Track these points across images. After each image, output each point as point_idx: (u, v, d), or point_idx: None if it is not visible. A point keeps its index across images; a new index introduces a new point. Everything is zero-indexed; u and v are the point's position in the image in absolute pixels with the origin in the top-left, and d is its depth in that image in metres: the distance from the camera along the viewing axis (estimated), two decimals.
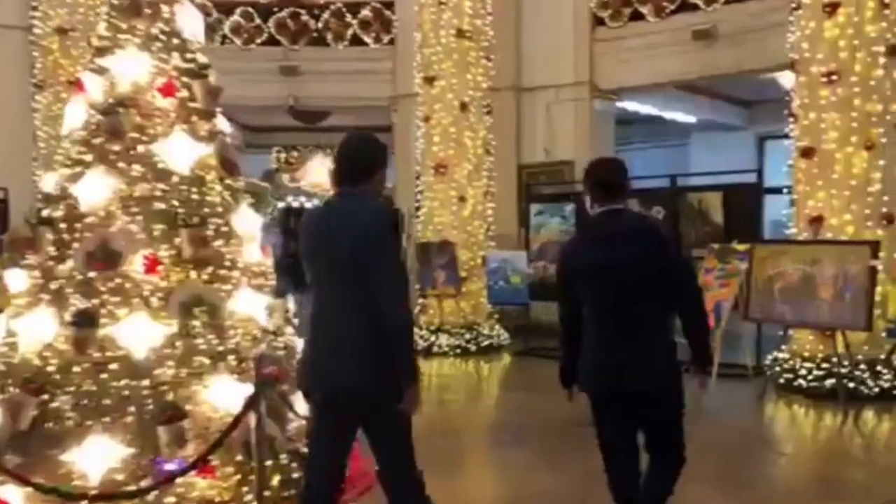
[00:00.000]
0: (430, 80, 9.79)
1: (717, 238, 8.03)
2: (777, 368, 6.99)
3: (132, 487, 3.36)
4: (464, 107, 9.66)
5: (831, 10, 6.78)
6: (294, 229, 19.44)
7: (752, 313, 6.88)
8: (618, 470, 3.19)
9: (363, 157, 2.95)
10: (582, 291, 3.12)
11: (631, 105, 12.46)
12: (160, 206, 3.97)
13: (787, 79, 12.96)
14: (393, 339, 2.69)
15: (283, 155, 18.18)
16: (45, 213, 4.01)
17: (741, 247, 7.33)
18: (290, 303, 4.59)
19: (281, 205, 19.16)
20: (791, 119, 7.32)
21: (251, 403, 3.39)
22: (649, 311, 3.04)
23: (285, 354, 4.14)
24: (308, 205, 19.95)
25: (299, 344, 3.86)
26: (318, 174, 18.61)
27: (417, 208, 10.13)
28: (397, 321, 2.70)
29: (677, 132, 15.86)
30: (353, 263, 2.70)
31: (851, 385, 6.41)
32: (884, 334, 6.36)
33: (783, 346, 7.16)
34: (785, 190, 7.37)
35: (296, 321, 4.52)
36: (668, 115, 13.84)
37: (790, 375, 6.87)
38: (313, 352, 2.88)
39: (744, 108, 15.30)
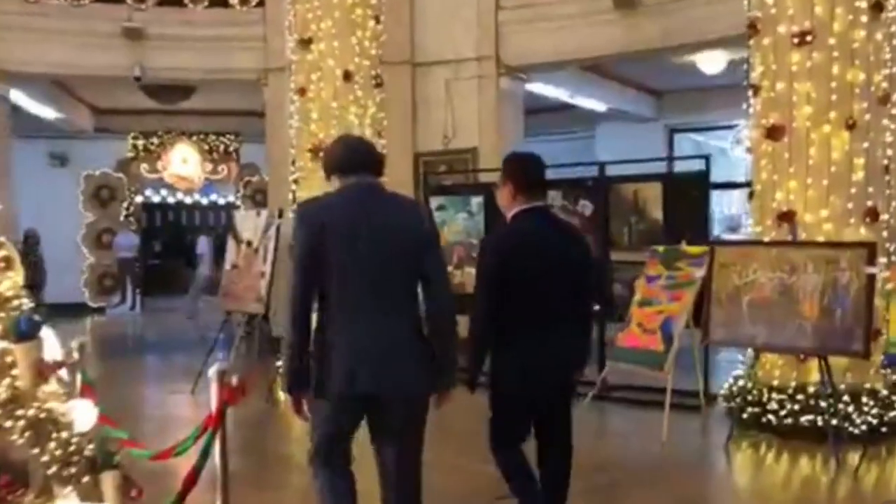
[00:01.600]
0: (305, 44, 7.94)
1: (655, 238, 6.63)
2: (738, 400, 5.63)
3: None
4: (348, 76, 7.86)
5: None
6: (154, 228, 17.09)
7: (715, 335, 5.47)
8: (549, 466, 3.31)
9: (375, 149, 2.99)
10: (516, 289, 3.06)
11: (539, 88, 11.03)
12: None
13: (708, 63, 12.06)
14: (446, 329, 2.77)
15: (140, 142, 15.77)
16: None
17: (694, 249, 5.94)
18: None
19: (138, 199, 16.80)
20: (750, 92, 5.98)
21: None
22: (576, 307, 3.22)
23: None
24: (171, 199, 17.66)
25: None
26: (182, 165, 16.33)
27: (293, 202, 8.26)
28: (451, 310, 2.81)
29: (583, 123, 14.67)
30: (409, 257, 2.71)
31: (834, 422, 5.11)
32: (884, 363, 5.05)
33: (742, 371, 5.83)
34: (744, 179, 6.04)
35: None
36: (578, 101, 12.53)
37: (756, 409, 5.52)
38: (354, 350, 2.69)
39: (655, 98, 14.26)
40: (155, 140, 15.76)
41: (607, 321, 7.03)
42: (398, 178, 8.93)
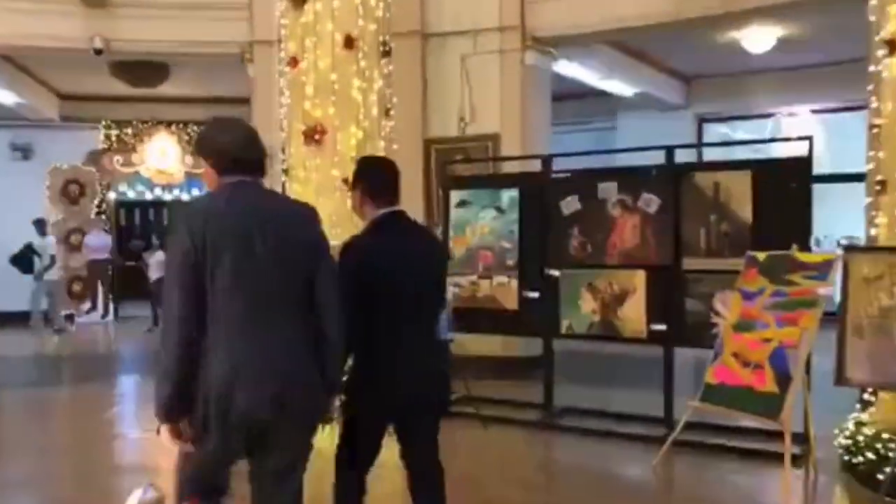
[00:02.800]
0: (298, 3, 6.48)
1: (742, 241, 5.23)
2: (847, 447, 4.26)
3: None
4: (349, 43, 6.41)
5: None
6: (130, 227, 15.38)
7: (854, 374, 4.07)
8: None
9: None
10: (372, 299, 2.84)
11: (564, 68, 9.61)
12: None
13: (755, 41, 10.69)
14: (332, 349, 2.56)
15: (113, 132, 14.26)
16: None
17: (814, 257, 4.54)
18: None
19: (112, 196, 15.30)
20: (883, 51, 4.58)
21: None
22: (432, 320, 3.09)
23: None
24: (149, 195, 16.12)
25: None
26: (160, 157, 14.83)
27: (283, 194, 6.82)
28: (338, 327, 2.59)
29: (602, 112, 13.28)
30: (301, 267, 2.52)
31: None
32: None
33: (857, 414, 4.46)
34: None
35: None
36: (606, 84, 11.12)
37: (863, 459, 4.15)
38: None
39: (684, 84, 12.88)
40: (130, 130, 14.24)
41: (676, 345, 5.64)
42: (407, 169, 7.49)
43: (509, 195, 6.28)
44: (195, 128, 14.48)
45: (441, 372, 3.11)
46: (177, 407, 2.36)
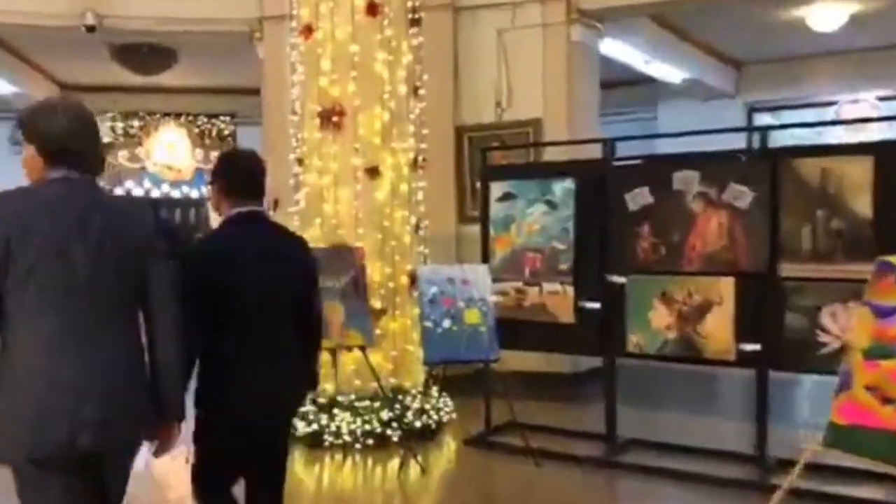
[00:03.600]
0: None
1: (861, 243, 4.23)
2: None
3: None
4: (373, 8, 5.47)
5: None
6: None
7: None
8: None
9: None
10: (216, 308, 2.60)
11: (608, 48, 8.59)
12: None
13: (822, 19, 9.62)
14: (168, 360, 2.31)
15: (119, 125, 13.43)
16: None
17: None
18: None
19: (118, 193, 14.42)
20: None
21: None
22: (291, 334, 2.79)
23: None
24: (155, 193, 15.27)
25: None
26: (168, 151, 13.98)
27: (295, 189, 5.87)
28: (174, 335, 2.35)
29: (642, 101, 12.24)
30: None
31: None
32: None
33: None
34: None
35: None
36: (654, 67, 10.08)
37: None
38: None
39: (734, 69, 11.81)
40: (136, 123, 13.38)
41: (771, 368, 4.64)
42: (436, 158, 6.56)
43: (563, 186, 5.28)
44: (206, 120, 13.65)
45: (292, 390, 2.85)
46: None
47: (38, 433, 2.04)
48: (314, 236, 5.50)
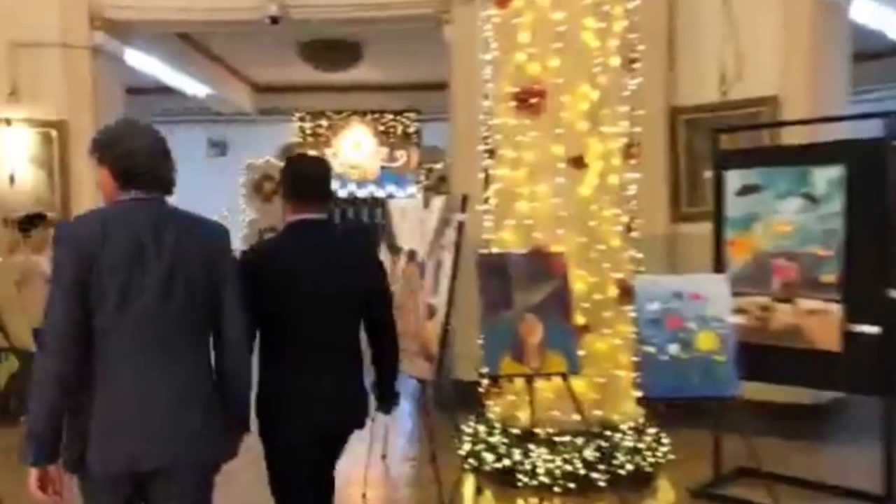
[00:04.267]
0: None
1: None
2: None
3: None
4: None
5: None
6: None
7: None
8: None
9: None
10: (271, 317, 2.57)
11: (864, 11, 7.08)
12: None
13: None
14: (239, 376, 2.38)
15: (307, 124, 13.48)
16: None
17: None
18: None
19: None
20: None
21: None
22: (354, 344, 2.75)
23: None
24: (341, 192, 15.28)
25: None
26: (353, 150, 13.86)
27: (486, 182, 5.10)
28: (245, 354, 2.46)
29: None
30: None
31: None
32: None
33: None
34: None
35: None
36: None
37: None
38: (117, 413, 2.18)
39: None
40: (324, 122, 13.35)
41: None
42: (648, 145, 5.51)
43: (828, 175, 4.10)
44: (390, 117, 13.38)
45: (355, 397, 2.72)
46: (42, 451, 2.08)
47: (105, 449, 2.09)
48: (506, 240, 4.70)
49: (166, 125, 10.51)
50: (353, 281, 2.66)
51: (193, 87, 10.98)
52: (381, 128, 13.27)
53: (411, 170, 13.47)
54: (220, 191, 12.49)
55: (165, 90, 11.64)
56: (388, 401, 2.88)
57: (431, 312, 4.11)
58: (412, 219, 4.36)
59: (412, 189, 13.88)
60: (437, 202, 4.24)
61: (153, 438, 2.10)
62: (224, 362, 2.27)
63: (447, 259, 4.07)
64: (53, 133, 6.95)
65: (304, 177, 2.70)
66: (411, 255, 4.33)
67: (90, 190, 7.06)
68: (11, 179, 6.88)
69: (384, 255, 4.61)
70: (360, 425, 2.76)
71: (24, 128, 6.88)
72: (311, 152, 13.45)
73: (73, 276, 2.07)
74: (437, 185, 13.03)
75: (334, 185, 13.62)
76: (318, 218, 2.66)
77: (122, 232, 2.12)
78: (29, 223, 6.27)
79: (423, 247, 4.26)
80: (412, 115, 13.28)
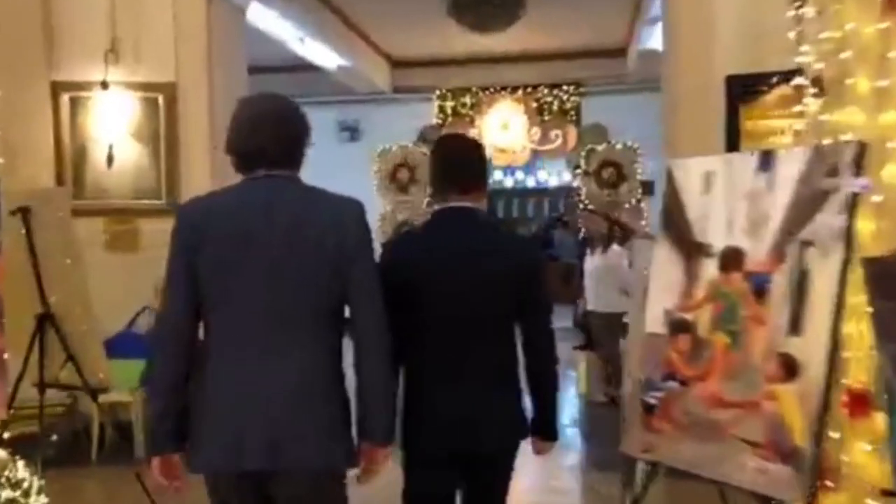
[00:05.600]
0: None
1: None
2: None
3: None
4: None
5: None
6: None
7: None
8: None
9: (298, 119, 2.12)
10: (412, 317, 2.19)
11: None
12: None
13: None
14: (378, 374, 2.06)
15: (448, 103, 11.78)
16: None
17: None
18: None
19: None
20: None
21: None
22: (501, 355, 2.31)
23: None
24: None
25: None
26: (501, 132, 12.05)
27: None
28: (384, 345, 2.12)
29: None
30: (325, 270, 1.99)
31: None
32: None
33: None
34: None
35: None
36: None
37: None
38: (239, 406, 1.95)
39: None
40: (467, 99, 11.59)
41: None
42: None
43: None
44: (546, 91, 11.45)
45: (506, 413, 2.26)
46: (160, 440, 1.97)
47: (209, 448, 1.94)
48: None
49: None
50: (504, 283, 2.22)
51: (324, 56, 9.46)
52: (534, 104, 11.37)
53: (568, 152, 11.50)
54: (351, 181, 10.90)
55: (290, 68, 10.28)
56: (542, 435, 2.35)
57: (790, 367, 2.17)
58: (732, 193, 2.42)
59: (568, 176, 11.91)
60: (794, 158, 2.27)
61: (255, 437, 1.89)
62: (357, 359, 1.98)
63: (827, 264, 2.12)
64: (160, 99, 5.46)
65: (452, 158, 2.34)
66: (733, 258, 2.39)
67: (203, 170, 5.55)
68: (109, 159, 5.44)
69: (665, 257, 2.68)
70: (510, 450, 2.30)
71: (125, 92, 5.41)
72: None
73: (178, 267, 1.95)
74: (600, 169, 11.01)
75: None
76: (467, 206, 2.27)
77: (228, 216, 1.95)
78: None
79: (762, 244, 2.32)
80: (571, 87, 11.30)
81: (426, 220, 2.40)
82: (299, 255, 1.91)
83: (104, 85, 5.30)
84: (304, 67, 10.68)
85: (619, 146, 10.65)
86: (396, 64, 11.44)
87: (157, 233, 5.40)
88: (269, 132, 1.96)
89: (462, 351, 2.19)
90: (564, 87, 11.30)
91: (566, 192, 12.45)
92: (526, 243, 2.63)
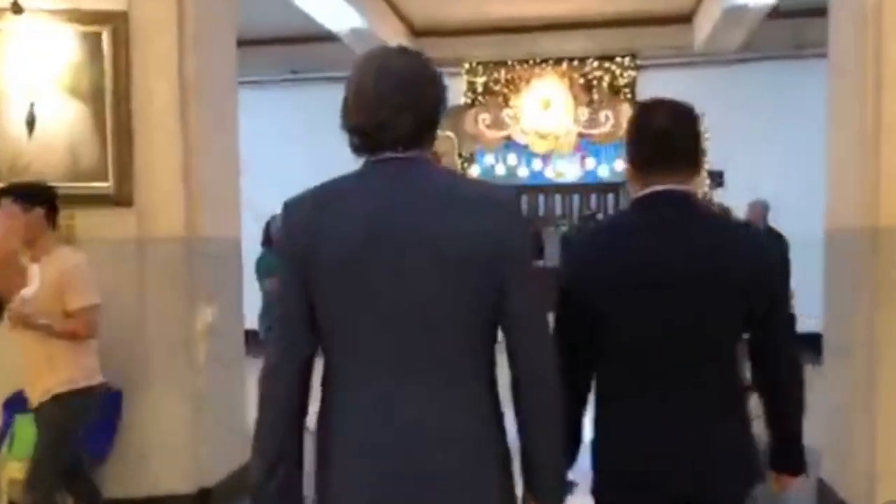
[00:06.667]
0: None
1: None
2: None
3: None
4: None
5: None
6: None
7: None
8: None
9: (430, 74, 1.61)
10: (608, 327, 1.80)
11: None
12: None
13: None
14: (546, 415, 1.61)
15: (479, 79, 10.00)
16: None
17: None
18: None
19: (474, 172, 11.03)
20: None
21: None
22: (728, 378, 1.88)
23: None
24: (523, 172, 11.45)
25: None
26: (541, 113, 10.29)
27: None
28: (552, 379, 1.65)
29: None
30: (474, 287, 1.51)
31: None
32: None
33: None
34: None
35: None
36: None
37: None
38: (370, 460, 1.55)
39: None
40: (502, 74, 9.82)
41: None
42: None
43: None
44: (596, 65, 9.71)
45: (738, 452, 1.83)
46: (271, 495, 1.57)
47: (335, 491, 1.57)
48: None
49: (298, 85, 7.40)
50: (738, 290, 1.77)
51: (336, 14, 7.73)
52: (581, 80, 9.62)
53: (621, 138, 9.73)
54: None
55: (292, 40, 8.70)
56: (786, 468, 1.95)
57: None
58: None
59: (621, 165, 10.16)
60: None
61: (386, 483, 1.51)
62: (517, 401, 1.56)
63: None
64: (104, 35, 3.71)
65: (654, 132, 1.81)
66: None
67: (169, 140, 3.82)
68: (30, 123, 3.69)
69: None
70: (741, 493, 1.84)
71: (51, 23, 3.67)
72: (483, 116, 10.04)
73: (286, 285, 1.55)
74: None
75: (511, 163, 10.03)
76: (680, 190, 1.79)
77: (346, 215, 1.50)
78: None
79: None
80: (626, 60, 9.56)
81: (629, 208, 1.90)
82: (439, 269, 1.47)
83: (16, 8, 3.54)
84: (306, 39, 9.05)
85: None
86: (417, 32, 9.70)
87: (101, 228, 3.97)
88: (401, 99, 1.51)
89: (684, 372, 1.77)
90: (617, 60, 9.54)
91: (613, 188, 10.77)
92: (759, 239, 1.98)
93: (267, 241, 6.07)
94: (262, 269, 5.89)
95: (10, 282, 1.69)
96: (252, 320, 5.21)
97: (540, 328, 1.55)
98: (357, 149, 1.56)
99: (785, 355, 1.85)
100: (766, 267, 1.81)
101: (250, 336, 4.72)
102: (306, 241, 1.50)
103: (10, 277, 1.66)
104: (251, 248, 5.40)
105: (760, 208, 6.74)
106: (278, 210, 1.63)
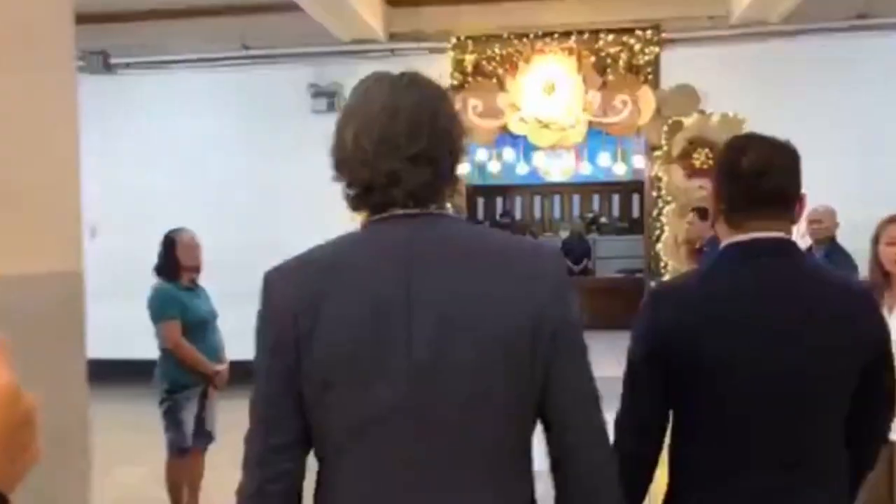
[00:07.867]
0: None
1: None
2: None
3: None
4: None
5: None
6: (491, 223, 10.30)
7: None
8: None
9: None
10: (698, 399, 1.59)
11: None
12: None
13: None
14: None
15: (469, 56, 8.19)
16: None
17: None
18: None
19: (463, 169, 9.33)
20: None
21: None
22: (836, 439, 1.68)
23: None
24: (523, 168, 9.58)
25: None
26: (543, 98, 8.53)
27: None
28: (611, 483, 1.48)
29: None
30: (506, 372, 1.27)
31: None
32: None
33: None
34: None
35: None
36: None
37: None
38: None
39: None
40: (496, 50, 8.11)
41: None
42: None
43: None
44: (610, 39, 8.02)
45: None
46: None
47: None
48: None
49: (252, 68, 5.83)
50: (847, 362, 1.56)
51: None
52: (592, 57, 7.92)
53: (640, 128, 8.04)
54: (326, 169, 7.58)
55: (240, 8, 7.15)
56: None
57: None
58: None
59: (641, 162, 8.44)
60: None
61: None
62: (563, 492, 1.33)
63: None
64: None
65: (750, 168, 1.57)
66: None
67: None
68: None
69: None
70: None
71: None
72: (474, 102, 8.37)
73: (267, 381, 1.29)
74: (689, 152, 7.67)
75: (507, 159, 8.30)
76: (780, 238, 1.58)
77: (349, 287, 1.27)
78: None
79: None
80: (647, 33, 7.86)
81: (720, 253, 1.64)
82: (467, 351, 1.23)
83: None
84: (262, 8, 7.47)
85: (715, 118, 7.50)
86: (394, 1, 8.01)
87: None
88: (415, 148, 1.27)
89: (780, 445, 1.54)
90: (637, 33, 7.83)
91: (635, 188, 9.05)
92: (868, 301, 1.66)
93: (167, 267, 4.47)
94: (158, 309, 4.37)
95: None
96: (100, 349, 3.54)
97: (599, 426, 1.28)
98: (357, 206, 1.33)
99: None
100: (876, 338, 1.59)
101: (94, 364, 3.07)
102: (299, 326, 1.23)
103: None
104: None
105: (831, 217, 5.47)
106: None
